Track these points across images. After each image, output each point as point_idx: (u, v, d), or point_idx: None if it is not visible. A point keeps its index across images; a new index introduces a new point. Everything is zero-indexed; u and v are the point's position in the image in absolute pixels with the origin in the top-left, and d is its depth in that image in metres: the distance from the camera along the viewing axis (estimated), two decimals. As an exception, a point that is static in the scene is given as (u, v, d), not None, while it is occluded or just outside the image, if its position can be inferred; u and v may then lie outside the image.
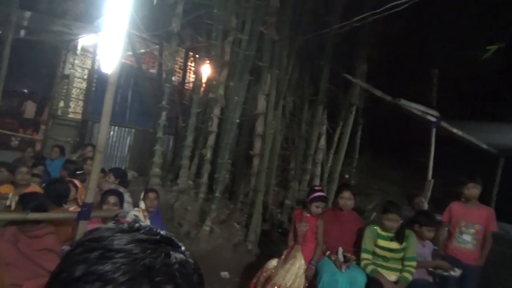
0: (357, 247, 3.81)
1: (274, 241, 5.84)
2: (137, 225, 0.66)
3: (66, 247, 3.42)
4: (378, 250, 3.58)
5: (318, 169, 7.27)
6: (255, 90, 6.39)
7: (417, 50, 8.35)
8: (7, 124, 11.62)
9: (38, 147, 9.16)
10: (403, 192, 8.04)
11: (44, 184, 4.27)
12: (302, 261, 3.69)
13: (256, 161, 6.13)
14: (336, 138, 7.59)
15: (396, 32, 7.64)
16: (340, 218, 3.94)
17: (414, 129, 7.16)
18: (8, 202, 3.88)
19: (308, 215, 3.86)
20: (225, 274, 4.80)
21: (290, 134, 7.40)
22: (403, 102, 5.90)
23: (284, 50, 6.41)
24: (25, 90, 16.06)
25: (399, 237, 3.51)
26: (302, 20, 6.59)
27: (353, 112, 7.49)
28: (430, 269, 3.76)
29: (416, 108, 5.95)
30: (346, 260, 3.61)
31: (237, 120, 6.09)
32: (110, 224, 0.67)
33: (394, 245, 3.54)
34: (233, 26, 6.30)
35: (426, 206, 5.05)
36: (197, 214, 5.78)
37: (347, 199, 3.91)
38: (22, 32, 8.74)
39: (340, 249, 3.70)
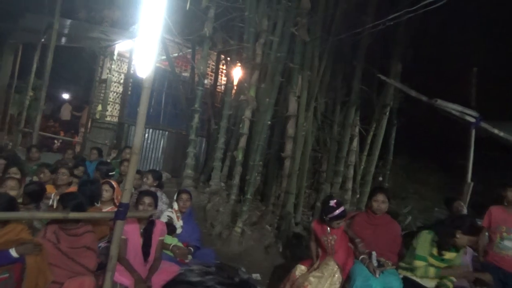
0: (392, 252, 3.70)
1: (306, 244, 5.79)
2: (237, 279, 0.66)
3: (102, 244, 3.55)
4: (429, 259, 3.41)
5: (351, 172, 7.15)
6: (286, 91, 6.38)
7: (455, 48, 8.05)
8: (49, 127, 12.25)
9: (78, 149, 9.57)
10: (441, 195, 7.76)
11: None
12: (336, 268, 3.59)
13: (287, 163, 6.11)
14: (369, 140, 7.44)
15: (432, 30, 7.41)
16: (374, 222, 3.84)
17: (452, 130, 6.90)
18: (50, 202, 4.08)
19: (329, 227, 3.72)
20: (256, 276, 4.81)
21: (322, 136, 7.32)
22: (440, 103, 5.69)
23: (315, 51, 6.37)
24: (64, 94, 16.91)
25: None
26: (334, 20, 6.52)
27: (387, 113, 7.32)
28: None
29: (454, 108, 5.73)
30: (380, 264, 3.51)
31: (269, 122, 6.10)
32: (211, 268, 0.67)
33: (449, 255, 3.36)
34: (265, 28, 6.32)
35: (465, 211, 4.84)
36: (228, 216, 5.83)
37: (381, 203, 3.80)
38: (63, 40, 9.16)
39: (374, 254, 3.60)
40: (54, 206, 3.91)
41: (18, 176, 4.33)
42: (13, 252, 2.77)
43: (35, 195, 3.79)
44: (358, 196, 7.25)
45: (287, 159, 6.11)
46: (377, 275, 3.40)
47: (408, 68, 7.26)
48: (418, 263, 3.40)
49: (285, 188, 6.06)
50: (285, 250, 5.47)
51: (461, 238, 3.27)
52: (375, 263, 3.52)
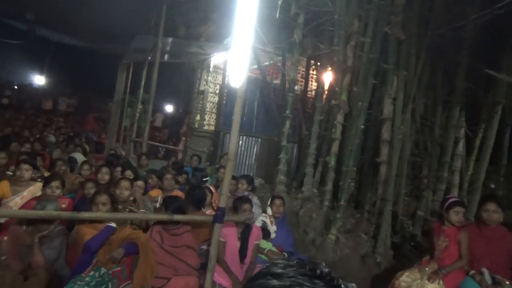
0: (508, 268, 3.28)
1: (406, 255, 5.42)
2: (318, 271, 0.69)
3: (204, 247, 3.78)
4: None
5: (456, 178, 6.51)
6: (380, 94, 6.10)
7: None
8: (156, 136, 13.53)
9: (179, 156, 10.35)
10: None
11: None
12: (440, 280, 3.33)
13: (383, 169, 5.82)
14: (477, 143, 6.70)
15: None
16: (486, 234, 3.45)
17: None
18: (157, 205, 4.48)
19: (447, 228, 3.49)
20: (352, 285, 4.64)
21: (422, 139, 6.81)
22: None
23: (412, 49, 5.98)
24: (167, 106, 18.58)
25: None
26: (432, 14, 6.06)
27: (499, 112, 6.51)
28: None
29: None
30: (495, 282, 3.14)
31: (362, 126, 5.89)
32: (292, 262, 0.71)
33: None
34: (355, 29, 6.15)
35: None
36: (322, 222, 5.75)
37: (492, 212, 3.40)
38: (166, 56, 10.04)
39: (486, 270, 3.23)
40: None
41: (132, 178, 4.89)
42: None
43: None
44: (465, 205, 6.56)
45: (383, 164, 5.82)
46: (492, 294, 3.05)
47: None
48: None
49: (381, 195, 5.77)
50: (383, 260, 5.20)
51: None
52: (488, 280, 3.17)
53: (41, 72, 22.77)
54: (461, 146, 6.51)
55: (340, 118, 6.12)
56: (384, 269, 5.06)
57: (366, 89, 5.91)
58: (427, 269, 3.45)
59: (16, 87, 21.06)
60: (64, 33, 13.86)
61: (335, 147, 6.11)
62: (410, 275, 3.54)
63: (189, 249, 3.40)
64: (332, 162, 6.05)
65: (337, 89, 6.31)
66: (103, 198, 3.38)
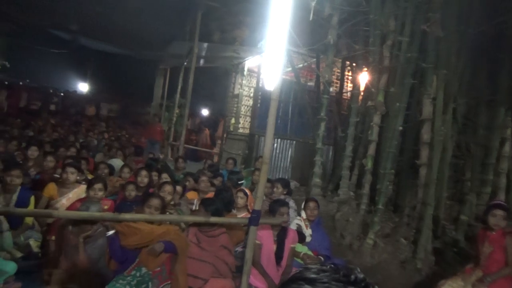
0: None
1: (448, 261, 5.20)
2: (353, 277, 0.68)
3: (239, 249, 3.81)
4: None
5: (503, 180, 6.17)
6: (419, 94, 5.91)
7: None
8: (191, 140, 13.80)
9: (215, 159, 10.50)
10: None
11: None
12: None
13: (423, 171, 5.62)
14: (526, 144, 6.33)
15: None
16: (536, 240, 3.26)
17: None
18: (194, 207, 4.57)
19: (491, 234, 3.33)
20: (391, 291, 4.53)
21: (464, 140, 6.52)
22: None
23: (452, 47, 5.75)
24: (202, 110, 18.94)
25: None
26: (473, 10, 5.80)
27: (550, 111, 6.12)
28: None
29: None
30: (546, 292, 2.96)
31: (400, 128, 5.73)
32: (326, 267, 0.71)
33: None
34: (392, 28, 6.00)
35: None
36: (359, 226, 5.63)
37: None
38: (201, 61, 10.24)
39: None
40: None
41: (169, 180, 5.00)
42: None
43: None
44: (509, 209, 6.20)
45: (423, 166, 5.62)
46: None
47: None
48: None
49: (421, 199, 5.58)
50: (423, 267, 5.01)
51: None
52: (539, 289, 2.98)
53: (84, 79, 23.96)
54: (507, 147, 6.18)
55: (376, 119, 5.98)
56: (425, 275, 4.88)
57: (404, 89, 5.74)
58: (472, 277, 3.30)
59: (62, 94, 22.26)
60: (105, 42, 14.50)
61: (372, 149, 5.98)
62: (453, 283, 3.40)
63: (225, 249, 3.45)
64: (369, 164, 5.93)
65: (373, 90, 6.18)
66: (157, 202, 3.48)
